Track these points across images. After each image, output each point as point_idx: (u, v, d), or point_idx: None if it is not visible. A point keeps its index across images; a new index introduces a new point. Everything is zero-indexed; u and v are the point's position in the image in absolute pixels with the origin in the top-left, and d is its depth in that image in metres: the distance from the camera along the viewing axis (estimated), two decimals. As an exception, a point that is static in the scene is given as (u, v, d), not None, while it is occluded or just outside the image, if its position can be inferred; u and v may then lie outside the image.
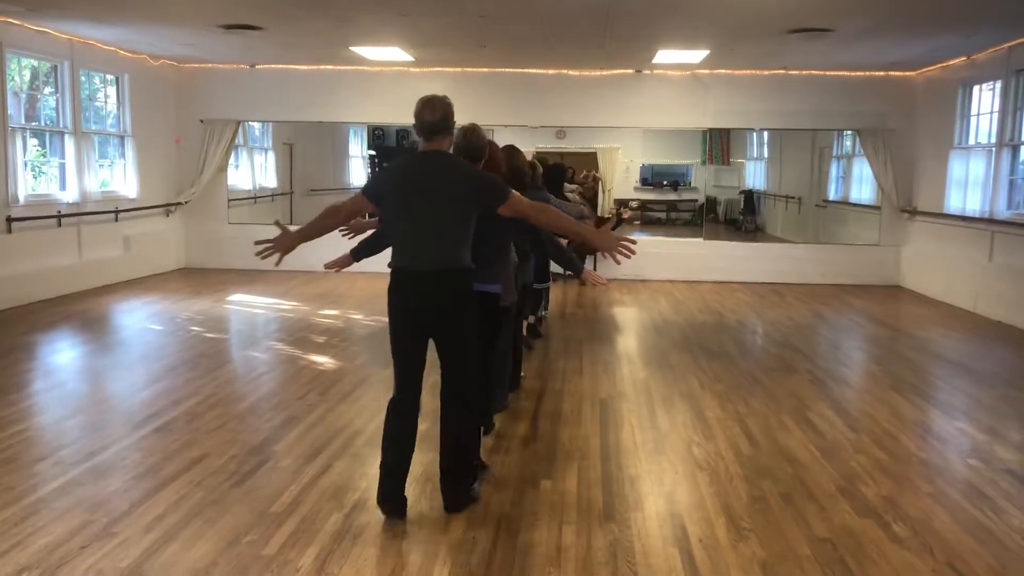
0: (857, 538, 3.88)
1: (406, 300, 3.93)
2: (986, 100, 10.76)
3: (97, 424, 5.40)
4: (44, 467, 4.59)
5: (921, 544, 3.83)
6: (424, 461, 4.77)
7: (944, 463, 5.06)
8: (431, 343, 4.05)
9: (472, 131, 4.26)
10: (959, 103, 11.17)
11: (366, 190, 4.06)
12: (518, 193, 3.95)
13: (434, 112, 3.86)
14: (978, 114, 10.95)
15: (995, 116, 10.34)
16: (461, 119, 4.14)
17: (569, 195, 12.16)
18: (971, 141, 11.02)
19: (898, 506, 4.26)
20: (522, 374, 6.59)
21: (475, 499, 4.20)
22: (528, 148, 11.03)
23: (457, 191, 3.87)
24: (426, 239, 3.87)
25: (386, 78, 12.80)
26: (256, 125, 14.84)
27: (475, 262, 3.98)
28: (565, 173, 11.35)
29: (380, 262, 12.81)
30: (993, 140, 10.32)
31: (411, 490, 4.34)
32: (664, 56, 11.16)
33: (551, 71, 12.69)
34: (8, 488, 4.27)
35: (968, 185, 10.89)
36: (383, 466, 4.03)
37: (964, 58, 10.88)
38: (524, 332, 7.89)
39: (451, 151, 4.05)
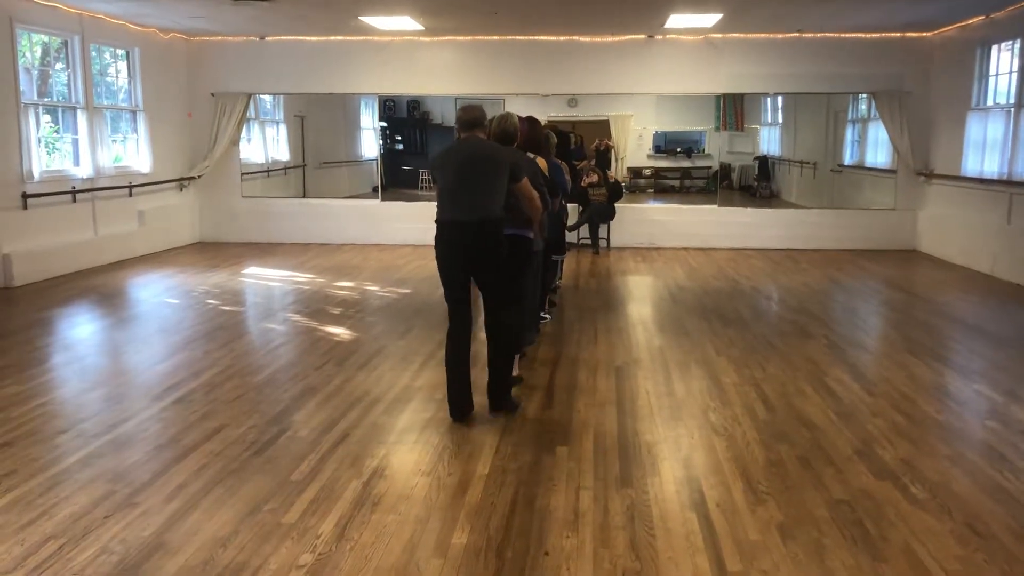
0: (875, 500, 3.88)
1: (452, 244, 4.97)
2: (1005, 60, 10.59)
3: (117, 396, 5.46)
4: (66, 439, 4.64)
5: (939, 506, 3.83)
6: (442, 430, 4.82)
7: (962, 425, 5.05)
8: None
9: (505, 118, 5.48)
10: (977, 63, 10.99)
11: (432, 179, 5.28)
12: (527, 179, 5.15)
13: (472, 113, 5.10)
14: (996, 74, 10.78)
15: (1014, 76, 10.18)
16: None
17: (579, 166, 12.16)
18: (989, 102, 10.87)
19: (916, 468, 4.26)
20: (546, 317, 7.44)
21: (516, 406, 5.15)
22: (539, 117, 10.97)
23: (492, 161, 4.98)
24: (467, 196, 4.93)
25: (396, 48, 12.73)
26: (267, 98, 14.80)
27: (513, 215, 5.18)
28: (568, 140, 11.36)
29: (393, 235, 12.67)
30: (1012, 101, 10.16)
31: (429, 458, 4.39)
32: (676, 20, 11.03)
33: (562, 38, 12.57)
34: (32, 460, 4.32)
35: (986, 147, 10.75)
36: (448, 382, 5.03)
37: (982, 17, 10.70)
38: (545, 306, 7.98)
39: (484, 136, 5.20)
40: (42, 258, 9.72)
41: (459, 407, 5.01)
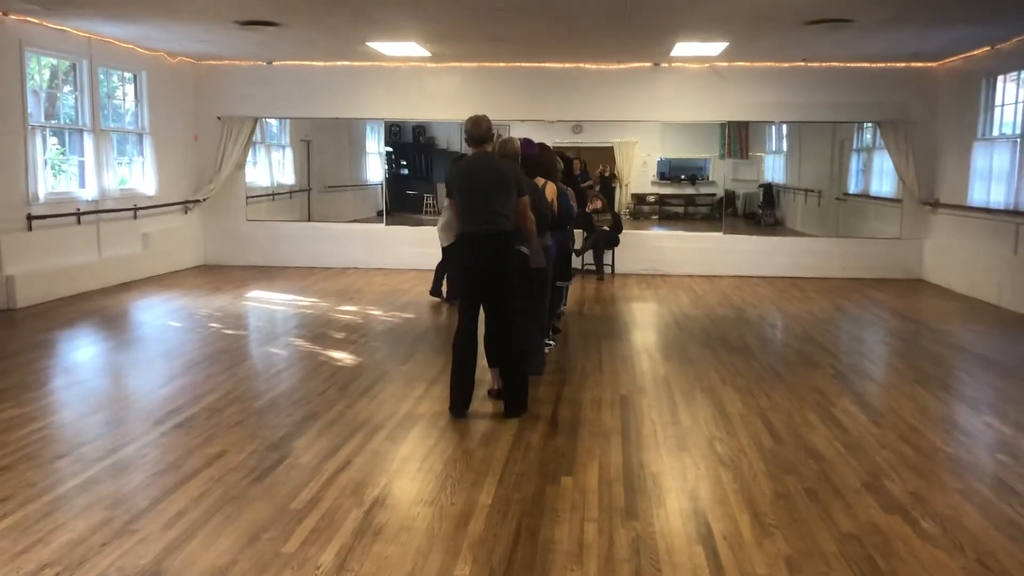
0: (884, 535, 3.81)
1: (471, 254, 5.43)
2: (1011, 91, 10.60)
3: (117, 421, 5.41)
4: (64, 464, 4.59)
5: (951, 541, 3.76)
6: (445, 458, 4.77)
7: (972, 458, 4.98)
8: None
9: (505, 143, 5.99)
10: (982, 94, 11.01)
11: (447, 192, 5.67)
12: (527, 198, 5.59)
13: (480, 127, 5.48)
14: (1002, 105, 10.79)
15: (1020, 107, 10.18)
16: (477, 113, 5.58)
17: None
18: (995, 132, 10.87)
19: (926, 502, 4.19)
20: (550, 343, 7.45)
21: (526, 408, 5.58)
22: (545, 143, 11.00)
23: (501, 177, 5.42)
24: (485, 211, 5.36)
25: (403, 74, 12.79)
26: (273, 122, 14.85)
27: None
28: (571, 165, 11.45)
29: (398, 260, 12.63)
30: (1018, 131, 10.16)
31: (431, 487, 4.34)
32: (682, 49, 11.07)
33: (568, 65, 12.63)
34: (29, 485, 4.27)
35: (992, 177, 10.74)
36: (451, 382, 5.54)
37: (988, 48, 10.73)
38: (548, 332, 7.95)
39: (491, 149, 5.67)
40: (45, 280, 9.71)
41: (458, 403, 5.50)
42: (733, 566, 3.50)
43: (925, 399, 6.11)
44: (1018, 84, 10.31)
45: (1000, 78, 10.80)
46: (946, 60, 11.84)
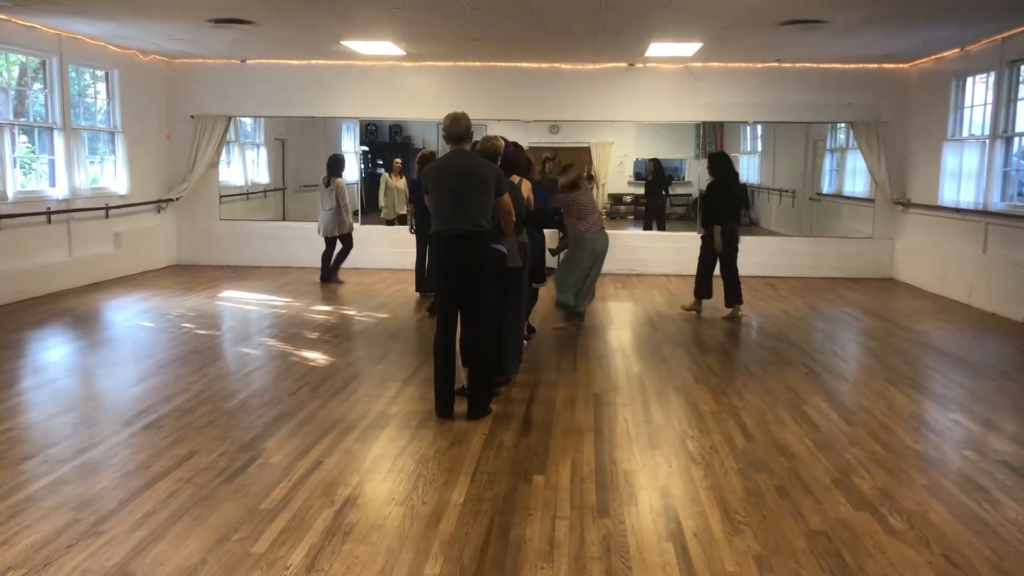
0: (853, 531, 3.85)
1: (444, 253, 5.38)
2: (980, 92, 10.74)
3: (86, 421, 5.35)
4: (32, 465, 4.53)
5: (917, 536, 3.80)
6: (417, 457, 4.75)
7: (939, 455, 5.03)
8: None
9: (487, 140, 5.92)
10: (952, 95, 11.14)
11: (423, 189, 5.62)
12: (508, 196, 5.52)
13: (459, 125, 5.40)
14: (972, 106, 10.92)
15: (988, 108, 10.32)
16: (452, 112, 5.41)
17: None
18: (965, 133, 11.00)
19: (894, 498, 4.24)
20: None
21: (489, 411, 5.55)
22: (521, 143, 11.00)
23: (479, 176, 5.34)
24: (457, 209, 5.31)
25: (378, 73, 12.75)
26: (247, 120, 14.76)
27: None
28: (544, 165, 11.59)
29: (372, 259, 12.56)
30: (987, 132, 10.29)
31: (403, 486, 4.33)
32: (657, 49, 11.11)
33: (543, 65, 12.64)
34: (-5, 487, 4.22)
35: (962, 177, 10.87)
36: (435, 384, 5.53)
37: (958, 50, 10.86)
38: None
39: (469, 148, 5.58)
40: (15, 279, 9.58)
41: (442, 405, 5.47)
42: (703, 563, 3.52)
43: (895, 397, 6.18)
44: (987, 85, 10.45)
45: (969, 79, 10.93)
46: (917, 61, 11.97)
